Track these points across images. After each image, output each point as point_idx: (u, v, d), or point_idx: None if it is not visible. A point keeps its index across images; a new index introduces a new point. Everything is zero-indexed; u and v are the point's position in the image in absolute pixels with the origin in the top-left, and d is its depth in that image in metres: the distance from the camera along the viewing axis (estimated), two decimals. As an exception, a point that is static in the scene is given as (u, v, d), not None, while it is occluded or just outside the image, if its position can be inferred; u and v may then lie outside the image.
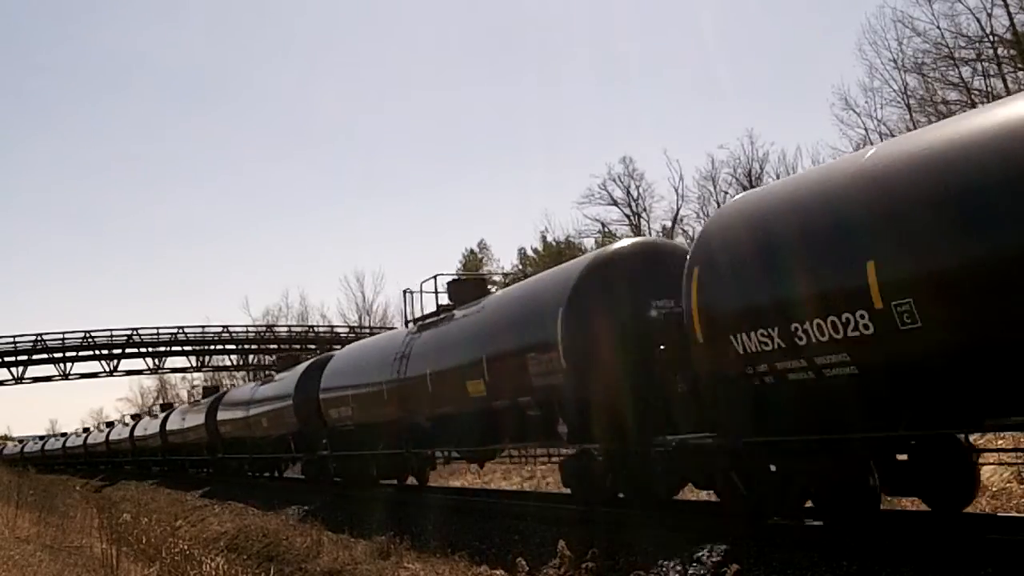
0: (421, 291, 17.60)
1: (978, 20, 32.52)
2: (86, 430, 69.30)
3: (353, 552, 11.89)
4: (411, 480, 20.33)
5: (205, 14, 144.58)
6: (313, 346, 60.04)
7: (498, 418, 13.61)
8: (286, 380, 24.64)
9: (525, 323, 12.56)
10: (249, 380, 55.50)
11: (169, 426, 39.23)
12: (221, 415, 30.90)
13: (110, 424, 62.65)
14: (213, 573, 10.94)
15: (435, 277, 17.27)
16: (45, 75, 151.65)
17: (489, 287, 18.65)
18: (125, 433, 49.25)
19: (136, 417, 56.09)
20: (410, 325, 17.72)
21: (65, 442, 66.67)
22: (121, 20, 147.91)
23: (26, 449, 73.54)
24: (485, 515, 13.53)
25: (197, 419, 34.12)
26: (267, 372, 32.03)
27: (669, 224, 51.88)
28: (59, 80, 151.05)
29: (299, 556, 12.62)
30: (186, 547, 12.95)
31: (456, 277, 17.29)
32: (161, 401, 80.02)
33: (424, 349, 15.95)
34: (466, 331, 14.55)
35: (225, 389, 39.76)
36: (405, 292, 18.11)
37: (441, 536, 12.42)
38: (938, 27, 34.14)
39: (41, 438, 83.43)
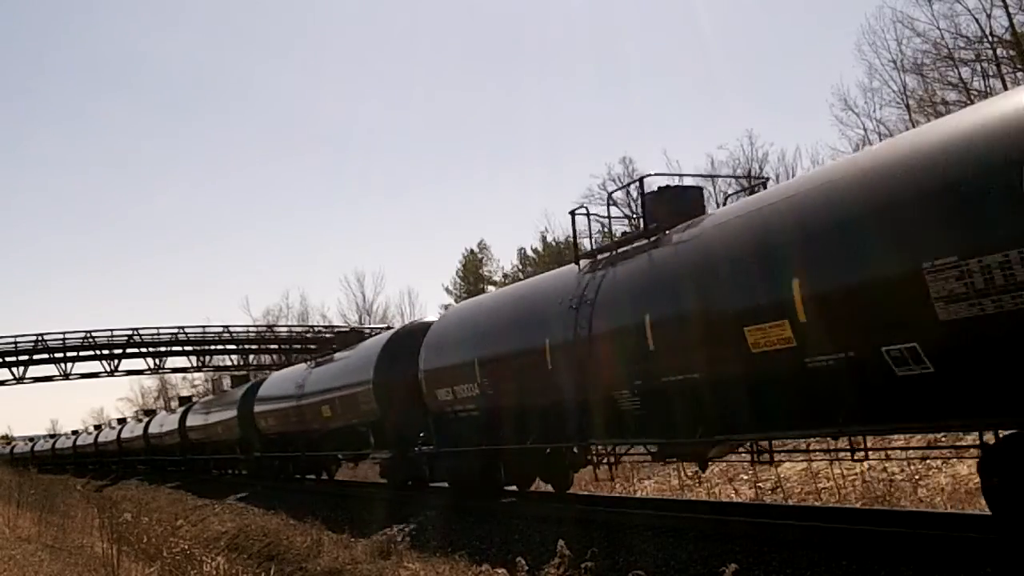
0: (609, 205, 12.52)
1: (977, 21, 32.61)
2: (97, 427, 66.15)
3: (353, 552, 11.90)
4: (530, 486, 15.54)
5: (205, 14, 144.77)
6: (313, 346, 60.03)
7: (814, 384, 8.26)
8: (359, 357, 19.66)
9: (924, 213, 6.93)
10: (251, 379, 54.15)
11: (190, 422, 35.04)
12: (260, 407, 26.13)
13: (122, 421, 59.16)
14: (214, 573, 10.95)
15: (640, 180, 11.78)
16: (45, 75, 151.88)
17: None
18: (138, 430, 45.11)
19: (150, 413, 52.24)
20: (582, 263, 12.28)
21: (76, 440, 63.45)
22: (121, 20, 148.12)
23: (36, 448, 71.97)
24: (485, 515, 13.55)
25: (227, 412, 29.41)
26: (316, 354, 26.44)
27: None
28: (59, 80, 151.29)
29: (299, 555, 12.64)
30: (187, 547, 12.95)
31: (664, 185, 11.67)
32: (162, 401, 79.70)
33: (627, 290, 10.71)
34: (737, 248, 9.06)
35: (260, 376, 33.67)
36: (574, 213, 12.65)
37: (441, 536, 12.44)
38: (938, 28, 34.25)
39: (52, 436, 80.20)
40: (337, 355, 21.97)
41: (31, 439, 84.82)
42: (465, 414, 14.71)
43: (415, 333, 17.45)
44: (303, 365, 25.40)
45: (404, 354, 17.16)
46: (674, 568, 8.68)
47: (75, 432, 70.44)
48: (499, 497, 14.64)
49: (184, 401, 45.21)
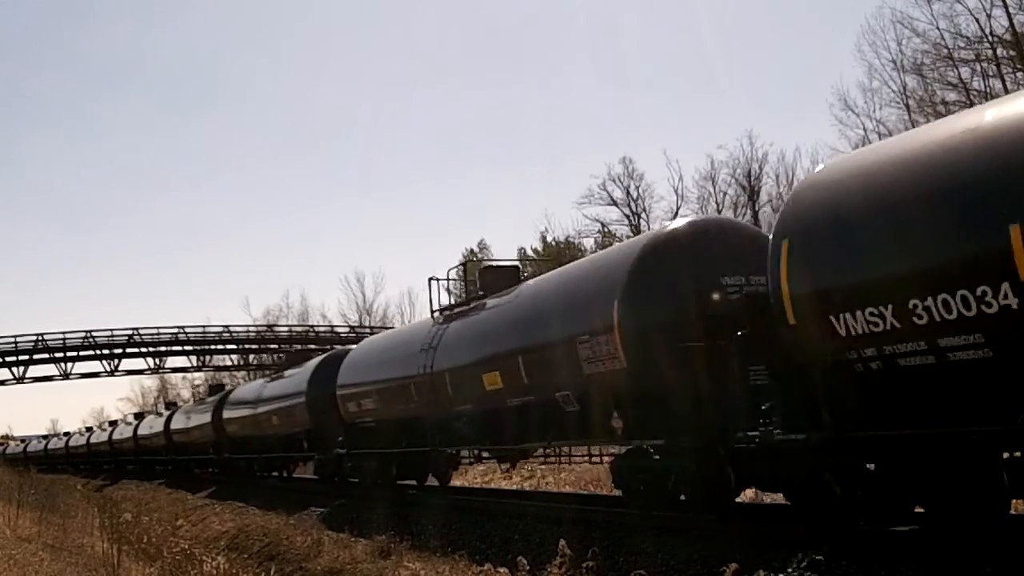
0: None
1: (977, 21, 32.61)
2: (112, 423, 63.05)
3: (353, 551, 11.91)
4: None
5: (205, 14, 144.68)
6: (314, 346, 60.10)
7: None
8: (574, 281, 12.06)
9: None
10: (250, 379, 52.35)
11: (226, 413, 29.26)
12: (349, 389, 19.02)
13: (139, 416, 54.83)
14: (214, 572, 10.97)
15: None
16: (45, 74, 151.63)
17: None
18: (158, 426, 39.74)
19: (172, 406, 47.48)
20: None
21: (89, 438, 59.40)
22: (121, 20, 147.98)
23: (49, 446, 70.61)
24: (485, 515, 13.55)
25: (285, 401, 23.31)
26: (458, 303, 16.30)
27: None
28: (59, 79, 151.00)
29: (300, 555, 12.66)
30: (187, 546, 12.99)
31: None
32: (163, 400, 79.29)
33: None
34: None
35: (338, 348, 25.73)
36: None
37: (441, 536, 12.45)
38: (937, 28, 34.24)
39: (66, 434, 76.85)
40: (498, 296, 14.19)
41: (44, 437, 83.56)
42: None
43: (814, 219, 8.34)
44: (430, 320, 16.42)
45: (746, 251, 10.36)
46: (674, 568, 8.68)
47: (89, 429, 68.70)
48: None
49: (215, 389, 37.30)
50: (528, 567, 8.62)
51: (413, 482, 18.64)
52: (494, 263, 16.56)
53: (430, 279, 16.55)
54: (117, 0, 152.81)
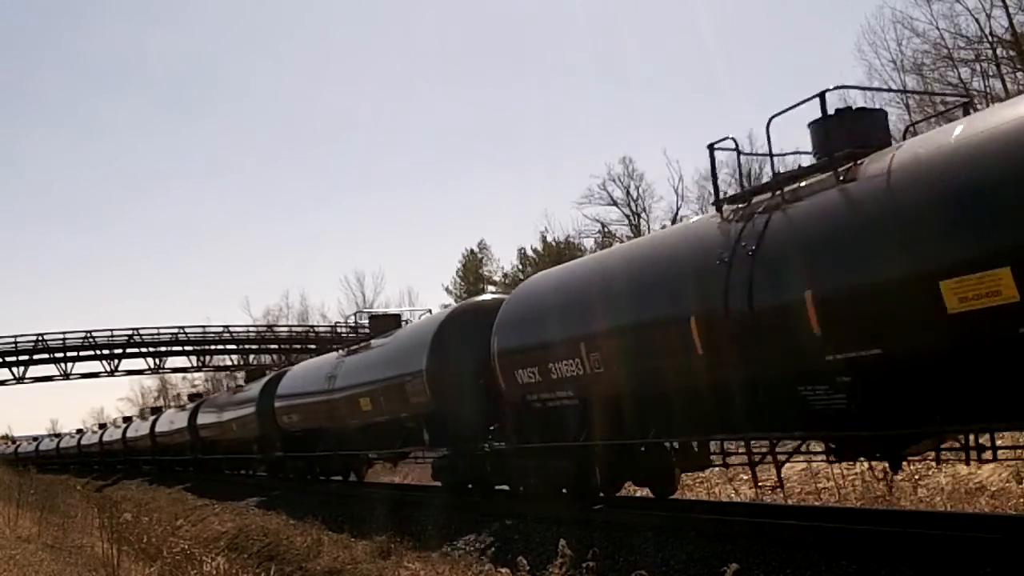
0: None
1: (977, 21, 32.64)
2: (126, 419, 59.48)
3: (353, 552, 11.90)
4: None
5: (205, 14, 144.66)
6: (314, 346, 60.13)
7: None
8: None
9: None
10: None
11: (280, 402, 23.39)
12: (519, 350, 12.66)
13: (156, 410, 50.64)
14: (214, 572, 10.97)
15: None
16: (45, 74, 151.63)
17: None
18: (181, 421, 34.97)
19: (196, 397, 42.84)
20: None
21: (101, 436, 55.73)
22: (121, 19, 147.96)
23: (62, 444, 69.08)
24: (485, 515, 13.53)
25: (384, 380, 17.13)
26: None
27: (669, 225, 51.98)
28: (59, 79, 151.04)
29: (300, 555, 12.65)
30: (187, 546, 12.98)
31: None
32: (163, 400, 79.24)
33: None
34: None
35: (467, 301, 20.34)
36: None
37: (441, 536, 12.44)
38: (937, 28, 34.29)
39: (78, 431, 73.40)
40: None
41: (56, 436, 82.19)
42: None
43: None
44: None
45: None
46: (674, 568, 8.68)
47: (102, 426, 67.32)
48: None
49: (253, 376, 31.28)
50: (528, 567, 8.61)
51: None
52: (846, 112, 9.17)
53: (711, 145, 10.55)
54: (117, 0, 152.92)
